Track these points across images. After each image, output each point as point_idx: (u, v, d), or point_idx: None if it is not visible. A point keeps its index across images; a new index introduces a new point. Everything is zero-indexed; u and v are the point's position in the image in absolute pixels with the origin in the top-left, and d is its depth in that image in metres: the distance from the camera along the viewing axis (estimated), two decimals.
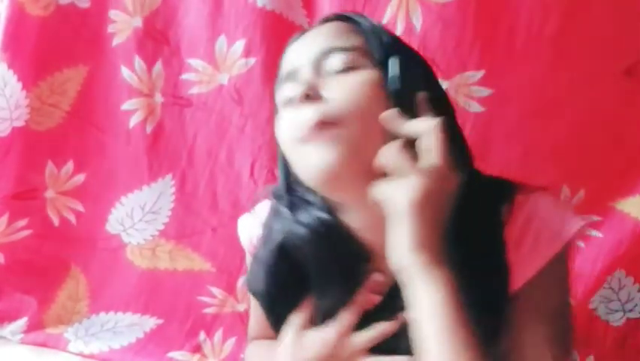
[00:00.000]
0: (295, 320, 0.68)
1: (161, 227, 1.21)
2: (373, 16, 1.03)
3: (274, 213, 0.71)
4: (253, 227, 0.77)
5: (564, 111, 1.03)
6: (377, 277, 0.65)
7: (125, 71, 1.17)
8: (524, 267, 0.63)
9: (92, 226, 1.23)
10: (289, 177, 0.69)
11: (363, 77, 0.61)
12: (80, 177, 1.22)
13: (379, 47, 0.64)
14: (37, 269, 1.23)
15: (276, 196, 0.71)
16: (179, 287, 1.21)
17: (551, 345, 0.61)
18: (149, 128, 1.19)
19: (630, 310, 1.10)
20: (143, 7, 1.15)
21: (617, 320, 1.10)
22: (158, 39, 1.17)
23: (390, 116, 0.58)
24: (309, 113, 0.59)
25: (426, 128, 0.57)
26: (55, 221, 1.23)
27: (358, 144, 0.58)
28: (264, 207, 0.76)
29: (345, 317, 0.65)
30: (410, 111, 0.59)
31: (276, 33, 1.10)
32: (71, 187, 1.23)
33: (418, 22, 1.03)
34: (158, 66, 1.17)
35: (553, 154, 1.04)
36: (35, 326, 1.20)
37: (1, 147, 1.18)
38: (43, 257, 1.23)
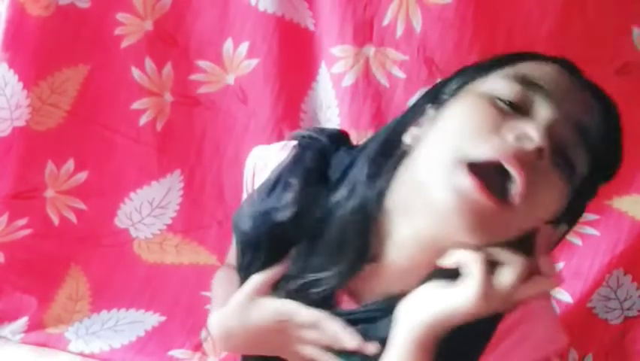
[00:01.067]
0: (257, 279, 0.66)
1: (169, 221, 1.31)
2: (374, 18, 1.13)
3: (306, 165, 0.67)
4: (260, 159, 0.74)
5: None
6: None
7: (135, 72, 1.26)
8: None
9: (97, 223, 1.31)
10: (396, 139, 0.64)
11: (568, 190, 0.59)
12: (82, 176, 1.30)
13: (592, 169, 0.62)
14: (37, 269, 1.29)
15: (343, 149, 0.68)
16: (183, 282, 1.29)
17: None
18: (159, 127, 1.29)
19: (628, 309, 1.17)
20: (154, 11, 1.24)
21: (615, 318, 1.17)
22: (167, 41, 1.26)
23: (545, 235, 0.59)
24: (502, 181, 0.54)
25: (469, 260, 0.56)
26: (55, 220, 1.30)
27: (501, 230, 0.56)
28: (283, 149, 0.70)
29: (317, 311, 0.63)
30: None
31: (278, 35, 1.21)
32: (72, 186, 1.30)
33: (417, 24, 1.11)
34: (168, 67, 1.27)
35: None
36: (35, 325, 1.25)
37: (2, 146, 1.24)
38: (43, 256, 1.30)
